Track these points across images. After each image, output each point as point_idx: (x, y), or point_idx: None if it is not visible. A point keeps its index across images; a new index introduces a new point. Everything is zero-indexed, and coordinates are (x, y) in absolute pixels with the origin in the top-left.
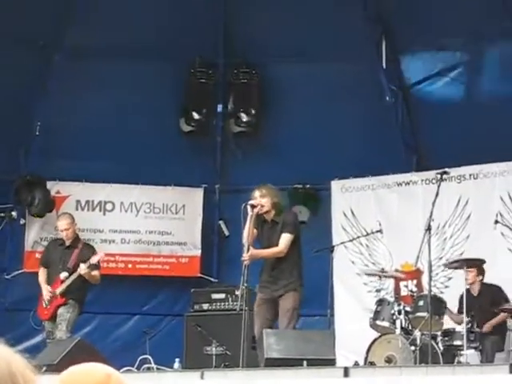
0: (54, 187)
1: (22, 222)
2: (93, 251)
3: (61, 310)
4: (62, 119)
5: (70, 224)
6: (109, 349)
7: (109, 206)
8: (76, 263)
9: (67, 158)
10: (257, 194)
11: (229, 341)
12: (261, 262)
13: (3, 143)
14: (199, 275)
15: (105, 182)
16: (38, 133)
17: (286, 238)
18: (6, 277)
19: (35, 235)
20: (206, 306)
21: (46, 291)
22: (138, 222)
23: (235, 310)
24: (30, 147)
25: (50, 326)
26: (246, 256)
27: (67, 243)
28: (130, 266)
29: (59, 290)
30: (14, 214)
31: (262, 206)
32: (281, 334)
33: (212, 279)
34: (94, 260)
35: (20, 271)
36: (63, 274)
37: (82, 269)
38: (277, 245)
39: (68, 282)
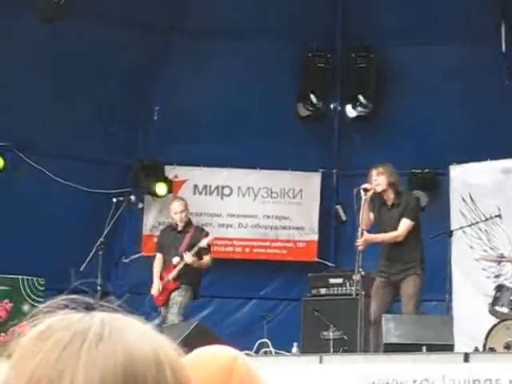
0: (172, 172)
1: (140, 206)
2: (205, 234)
3: (174, 294)
4: (180, 103)
5: (184, 206)
6: (226, 333)
7: (226, 191)
8: (187, 248)
9: (185, 142)
10: (374, 172)
11: (346, 325)
12: (377, 246)
13: (122, 127)
14: (316, 260)
15: (222, 166)
16: (156, 117)
17: (406, 224)
18: (125, 260)
19: (153, 219)
20: (323, 291)
21: (156, 283)
22: (256, 207)
23: (352, 294)
24: (148, 131)
25: (165, 311)
26: (360, 241)
27: (179, 227)
28: (247, 250)
29: (171, 275)
30: (132, 198)
31: (378, 185)
32: (400, 318)
33: (329, 264)
34: (203, 243)
35: (138, 255)
36: (175, 259)
37: (188, 257)
38: (395, 229)
39: (179, 267)
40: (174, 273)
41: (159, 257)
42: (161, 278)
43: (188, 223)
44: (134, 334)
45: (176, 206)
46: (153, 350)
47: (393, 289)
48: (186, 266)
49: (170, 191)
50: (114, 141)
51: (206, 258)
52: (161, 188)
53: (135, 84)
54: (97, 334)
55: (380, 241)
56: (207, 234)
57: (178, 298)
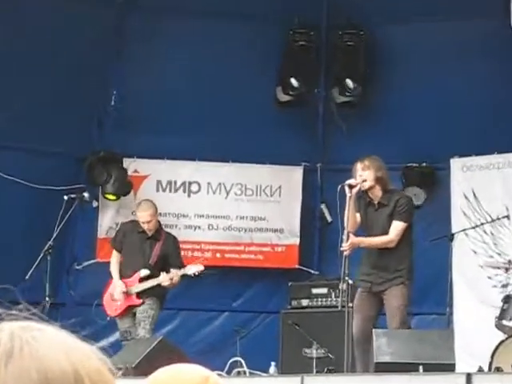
0: (132, 165)
1: (94, 204)
2: (177, 246)
3: (144, 306)
4: (141, 87)
5: (153, 215)
6: (194, 350)
7: (194, 187)
8: (158, 260)
9: (147, 131)
10: (359, 166)
11: (331, 342)
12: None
13: (74, 114)
14: (297, 267)
15: (190, 159)
16: (113, 102)
17: (398, 227)
18: (77, 267)
19: (109, 220)
20: (305, 302)
21: (119, 287)
22: (228, 206)
23: (337, 306)
24: (104, 119)
25: (126, 325)
26: (345, 245)
27: (149, 234)
28: (217, 255)
29: (136, 289)
30: (85, 195)
31: (364, 181)
32: (392, 334)
33: (312, 271)
34: (189, 271)
35: (92, 261)
36: (144, 272)
37: (165, 279)
38: (383, 231)
39: (147, 286)
40: (139, 288)
41: (116, 255)
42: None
43: (158, 229)
44: (50, 348)
45: (144, 216)
46: (71, 365)
47: (377, 300)
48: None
49: (127, 191)
50: (65, 130)
51: (178, 274)
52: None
53: (89, 66)
54: (6, 352)
55: (368, 245)
56: (178, 244)
57: (149, 311)
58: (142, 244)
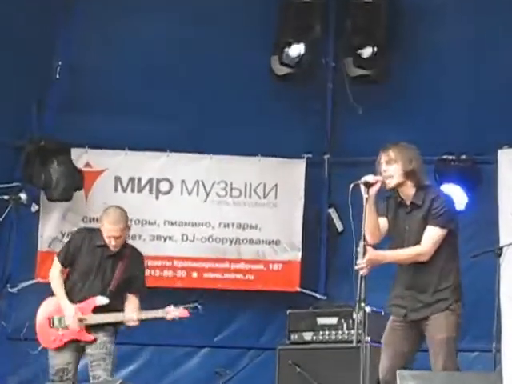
0: (83, 157)
1: (34, 208)
2: (144, 267)
3: (103, 337)
4: (96, 57)
5: (125, 229)
6: None
7: (164, 186)
8: (119, 284)
9: (102, 114)
10: (383, 157)
11: None
12: (391, 269)
13: (9, 93)
14: (299, 290)
15: (159, 150)
16: (58, 76)
17: (433, 234)
18: (11, 290)
19: (53, 229)
20: (308, 336)
21: (71, 311)
22: (208, 210)
23: (351, 341)
24: (45, 99)
25: (65, 361)
26: (362, 262)
27: (112, 250)
28: (194, 275)
29: (88, 321)
30: (22, 196)
31: (389, 177)
32: (423, 376)
33: (318, 296)
34: (168, 316)
35: (31, 282)
36: (100, 300)
37: (129, 320)
38: (417, 240)
39: (106, 321)
40: (95, 319)
41: (59, 267)
42: None
43: (124, 245)
44: None
45: (113, 230)
46: None
47: (415, 332)
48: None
49: (79, 187)
50: None
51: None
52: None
53: (27, 29)
54: None
55: (393, 260)
56: (142, 263)
57: (109, 345)
58: (102, 262)
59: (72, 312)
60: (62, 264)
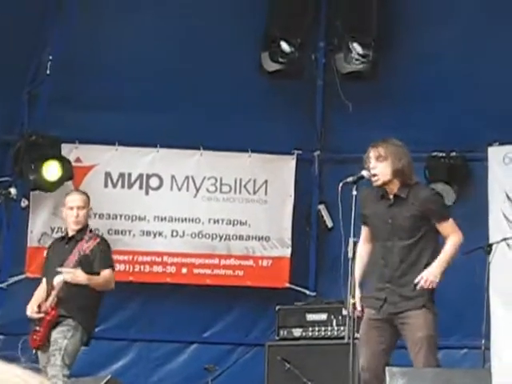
0: (73, 152)
1: (23, 203)
2: (103, 249)
3: (54, 335)
4: (87, 51)
5: (85, 202)
6: None
7: (154, 182)
8: (76, 262)
9: (92, 109)
10: (371, 153)
11: (331, 383)
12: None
13: None
14: (288, 286)
15: (149, 145)
16: (48, 71)
17: (451, 224)
18: (0, 285)
19: (43, 224)
20: (297, 332)
21: (29, 309)
22: (198, 206)
23: (342, 338)
24: (36, 93)
25: (44, 362)
26: (423, 280)
27: (71, 232)
28: (184, 271)
29: (48, 301)
30: (12, 191)
31: (378, 174)
32: (413, 373)
33: (307, 292)
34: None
35: (21, 276)
36: (57, 278)
37: (66, 272)
38: (403, 235)
39: (57, 288)
40: (50, 299)
41: (43, 281)
42: (39, 307)
43: (84, 229)
44: None
45: (74, 200)
46: None
47: (390, 332)
48: (71, 288)
49: (68, 177)
50: None
51: (104, 274)
52: (51, 170)
53: (18, 21)
54: None
55: (445, 265)
56: (106, 249)
57: (60, 341)
58: (62, 251)
59: (28, 312)
60: (43, 274)
